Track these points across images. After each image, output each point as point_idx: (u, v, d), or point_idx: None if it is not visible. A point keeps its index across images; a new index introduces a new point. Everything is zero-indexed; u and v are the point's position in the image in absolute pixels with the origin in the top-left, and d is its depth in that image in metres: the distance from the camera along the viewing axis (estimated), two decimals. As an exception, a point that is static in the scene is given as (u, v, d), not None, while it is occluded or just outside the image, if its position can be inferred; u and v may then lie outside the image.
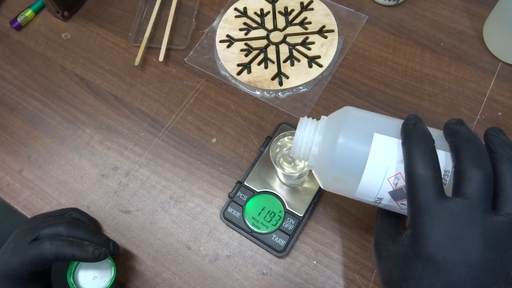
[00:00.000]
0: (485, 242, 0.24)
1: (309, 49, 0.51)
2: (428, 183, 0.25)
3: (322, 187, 0.32)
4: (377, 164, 0.28)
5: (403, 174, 0.27)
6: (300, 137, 0.32)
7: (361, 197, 0.30)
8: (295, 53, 0.51)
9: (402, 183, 0.27)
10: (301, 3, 0.54)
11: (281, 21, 0.54)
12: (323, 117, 0.33)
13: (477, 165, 0.25)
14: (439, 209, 0.25)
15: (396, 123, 0.29)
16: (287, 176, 0.40)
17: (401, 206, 0.29)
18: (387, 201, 0.29)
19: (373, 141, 0.28)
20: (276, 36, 0.52)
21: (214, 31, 0.54)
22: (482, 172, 0.24)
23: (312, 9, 0.54)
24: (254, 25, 0.54)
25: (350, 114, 0.30)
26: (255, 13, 0.55)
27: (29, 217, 0.45)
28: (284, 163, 0.41)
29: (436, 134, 0.28)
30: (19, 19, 0.57)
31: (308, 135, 0.31)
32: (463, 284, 0.24)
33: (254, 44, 0.52)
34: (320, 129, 0.31)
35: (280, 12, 0.54)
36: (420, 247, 0.25)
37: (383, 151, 0.28)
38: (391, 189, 0.28)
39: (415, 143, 0.26)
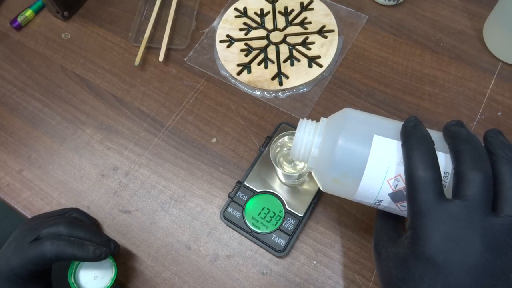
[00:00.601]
0: (485, 244, 0.24)
1: (309, 49, 0.51)
2: (428, 185, 0.25)
3: (321, 189, 0.32)
4: (377, 166, 0.28)
5: (403, 176, 0.27)
6: (299, 138, 0.32)
7: (360, 199, 0.30)
8: (295, 53, 0.51)
9: (402, 185, 0.27)
10: (301, 3, 0.54)
11: (281, 21, 0.54)
12: (322, 118, 0.33)
13: (477, 167, 0.25)
14: (439, 211, 0.25)
15: (396, 125, 0.29)
16: (287, 176, 0.40)
17: (401, 208, 0.29)
18: (386, 203, 0.29)
19: (373, 143, 0.28)
20: (276, 36, 0.52)
21: (214, 31, 0.54)
22: (482, 174, 0.24)
23: (312, 9, 0.54)
24: (254, 25, 0.54)
25: (349, 116, 0.30)
26: (255, 13, 0.55)
27: (29, 217, 0.45)
28: (284, 163, 0.41)
29: (436, 136, 0.28)
30: (19, 19, 0.57)
31: (308, 137, 0.31)
32: (463, 286, 0.24)
33: (254, 44, 0.52)
34: (320, 131, 0.31)
35: (280, 12, 0.54)
36: (420, 248, 0.25)
37: (383, 153, 0.28)
38: (391, 191, 0.28)
39: (414, 145, 0.26)
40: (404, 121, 0.29)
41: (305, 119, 0.33)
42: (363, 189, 0.29)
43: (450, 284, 0.24)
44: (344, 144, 0.28)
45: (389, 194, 0.28)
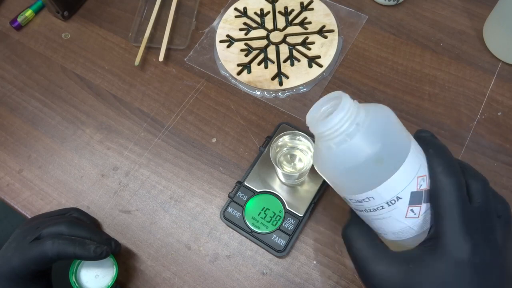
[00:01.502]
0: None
1: (309, 49, 0.51)
2: (455, 188, 0.27)
3: (348, 168, 0.28)
4: (414, 159, 0.28)
5: (428, 179, 0.28)
6: (347, 104, 0.27)
7: (381, 191, 0.28)
8: (295, 53, 0.51)
9: (424, 186, 0.28)
10: (301, 3, 0.54)
11: (281, 21, 0.54)
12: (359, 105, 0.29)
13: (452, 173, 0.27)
14: (464, 214, 0.26)
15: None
16: (287, 176, 0.40)
17: (409, 214, 0.28)
18: (402, 203, 0.28)
19: (412, 140, 0.29)
20: (276, 36, 0.52)
21: (214, 31, 0.54)
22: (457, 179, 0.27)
23: (312, 9, 0.54)
24: (254, 25, 0.54)
25: (392, 116, 0.30)
26: (255, 13, 0.55)
27: (29, 217, 0.45)
28: (284, 163, 0.41)
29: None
30: (19, 19, 0.57)
31: (352, 109, 0.27)
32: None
33: (254, 44, 0.52)
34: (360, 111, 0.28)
35: (280, 12, 0.54)
36: (446, 249, 0.26)
37: (418, 151, 0.28)
38: (414, 189, 0.28)
39: (439, 151, 0.28)
40: (419, 131, 0.30)
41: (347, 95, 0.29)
42: (395, 178, 0.27)
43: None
44: (393, 126, 0.28)
45: (411, 192, 0.28)
